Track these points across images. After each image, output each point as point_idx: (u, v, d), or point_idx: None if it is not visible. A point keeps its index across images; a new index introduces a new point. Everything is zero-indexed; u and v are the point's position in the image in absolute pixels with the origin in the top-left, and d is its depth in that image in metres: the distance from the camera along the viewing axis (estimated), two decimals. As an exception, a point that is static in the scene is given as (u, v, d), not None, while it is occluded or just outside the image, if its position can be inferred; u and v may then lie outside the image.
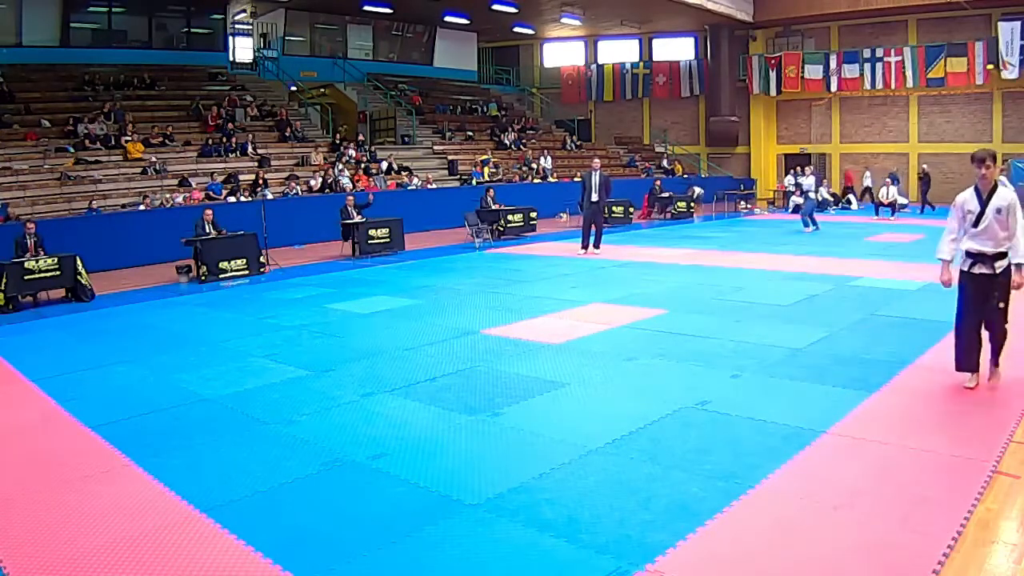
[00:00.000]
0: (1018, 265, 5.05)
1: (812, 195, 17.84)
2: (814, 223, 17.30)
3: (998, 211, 5.05)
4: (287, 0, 23.43)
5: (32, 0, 19.63)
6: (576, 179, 19.95)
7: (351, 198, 15.15)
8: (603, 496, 3.90)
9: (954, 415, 4.69)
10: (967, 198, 5.20)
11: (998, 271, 5.16)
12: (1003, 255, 5.17)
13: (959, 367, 5.37)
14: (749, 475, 4.06)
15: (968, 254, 5.25)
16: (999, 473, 3.99)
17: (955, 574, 3.10)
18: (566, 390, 5.77)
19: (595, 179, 14.24)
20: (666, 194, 22.07)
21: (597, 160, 15.52)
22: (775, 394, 5.49)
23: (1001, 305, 5.23)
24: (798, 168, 23.10)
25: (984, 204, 5.09)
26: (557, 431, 4.88)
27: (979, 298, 5.23)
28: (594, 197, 14.18)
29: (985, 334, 5.38)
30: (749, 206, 24.38)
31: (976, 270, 5.21)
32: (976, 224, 5.14)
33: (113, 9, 21.47)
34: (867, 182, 24.51)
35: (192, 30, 23.24)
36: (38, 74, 19.30)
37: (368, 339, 7.70)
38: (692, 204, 22.03)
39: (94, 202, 15.17)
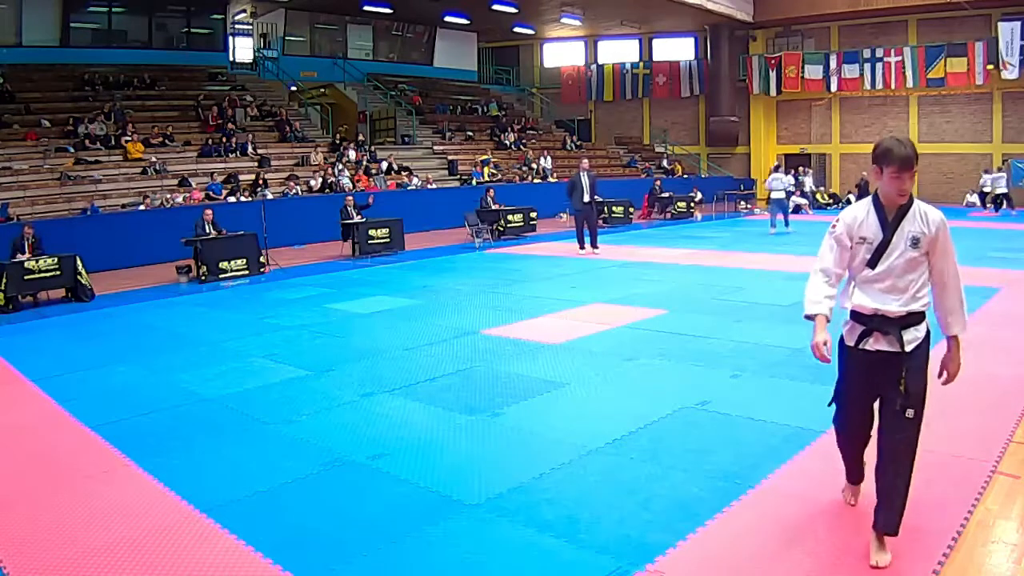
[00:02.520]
0: (954, 338, 3.10)
1: (777, 195, 17.60)
2: (773, 224, 17.23)
3: (914, 242, 3.02)
4: (287, 0, 23.43)
5: (32, 0, 19.63)
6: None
7: (351, 198, 15.16)
8: (603, 496, 3.90)
9: (954, 415, 4.68)
10: (860, 217, 3.12)
11: (908, 348, 3.06)
12: (917, 319, 3.09)
13: (851, 478, 3.64)
14: (749, 475, 4.06)
15: (857, 317, 3.17)
16: (999, 473, 3.99)
17: (955, 574, 3.10)
18: (566, 390, 5.77)
19: (585, 180, 14.31)
20: (666, 194, 22.08)
21: (585, 161, 15.83)
22: (775, 394, 5.49)
23: (910, 414, 3.03)
24: (800, 168, 23.13)
25: (890, 230, 3.05)
26: (557, 431, 4.88)
27: (871, 395, 3.20)
28: (586, 198, 14.25)
29: (871, 457, 3.29)
30: (749, 206, 24.38)
31: (870, 345, 3.12)
32: (874, 263, 3.07)
33: (113, 9, 21.48)
34: (808, 185, 24.53)
35: (192, 30, 23.25)
36: (38, 74, 19.30)
37: (368, 339, 7.70)
38: (693, 204, 22.04)
39: (95, 201, 15.16)
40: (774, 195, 17.41)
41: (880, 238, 3.06)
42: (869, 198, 3.17)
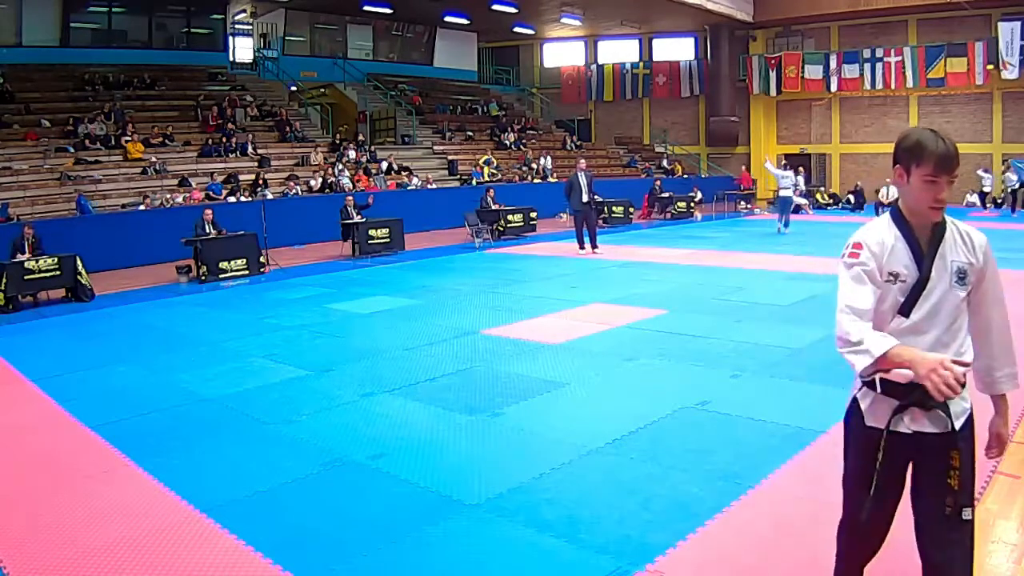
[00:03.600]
0: (1001, 397, 2.32)
1: (783, 192, 17.67)
2: (779, 223, 17.35)
3: (960, 276, 2.21)
4: (287, 0, 23.43)
5: (32, 0, 19.64)
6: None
7: (351, 198, 15.16)
8: (603, 496, 3.90)
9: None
10: (887, 243, 2.24)
11: (958, 424, 2.21)
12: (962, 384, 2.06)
13: None
14: (749, 475, 4.06)
15: (887, 387, 2.25)
16: (999, 473, 3.99)
17: (955, 574, 3.10)
18: (566, 390, 5.77)
19: (583, 179, 14.32)
20: (666, 194, 22.09)
21: (583, 161, 15.88)
22: (775, 394, 5.49)
23: (967, 515, 2.21)
24: (799, 168, 23.13)
25: (927, 261, 2.21)
26: (557, 431, 4.88)
27: (899, 494, 2.36)
28: (584, 198, 14.26)
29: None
30: (749, 206, 24.39)
31: (906, 426, 2.24)
32: (908, 309, 2.22)
33: (113, 9, 21.50)
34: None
35: (192, 30, 23.26)
36: (38, 74, 19.31)
37: (368, 339, 7.70)
38: (693, 204, 22.05)
39: (84, 194, 15.13)
40: (782, 192, 17.47)
41: (916, 275, 2.20)
42: (887, 215, 2.30)
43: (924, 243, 2.23)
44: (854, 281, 2.22)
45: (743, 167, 26.54)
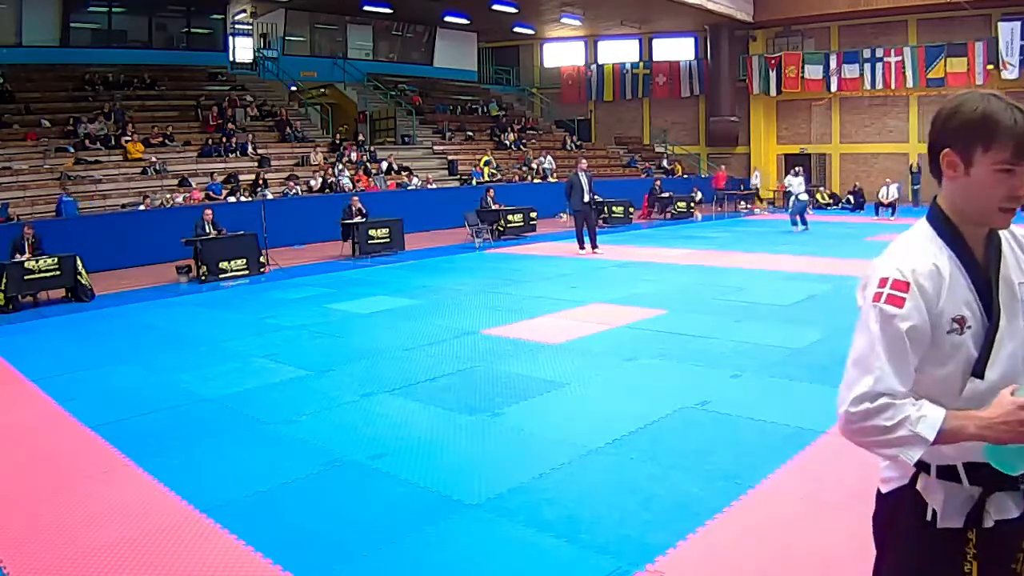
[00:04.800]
0: None
1: (802, 196, 17.84)
2: (804, 223, 17.39)
3: None
4: (287, 0, 23.44)
5: (32, 0, 19.64)
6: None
7: (356, 198, 15.18)
8: (603, 496, 3.90)
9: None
10: (942, 269, 1.51)
11: None
12: None
13: None
14: (749, 475, 4.05)
15: (968, 472, 1.53)
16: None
17: (955, 574, 3.09)
18: (566, 390, 5.77)
19: (583, 180, 14.33)
20: (666, 194, 22.09)
21: (584, 161, 15.97)
22: (775, 394, 5.49)
23: None
24: (799, 168, 23.15)
25: (993, 288, 1.53)
26: (557, 431, 4.88)
27: None
28: (585, 198, 14.27)
29: None
30: (749, 206, 24.38)
31: (992, 518, 1.53)
32: (982, 367, 1.50)
33: (113, 9, 21.50)
34: (755, 181, 24.45)
35: (192, 30, 23.26)
36: (38, 74, 19.31)
37: (368, 339, 7.70)
38: (693, 204, 22.05)
39: (83, 192, 15.11)
40: (798, 196, 17.62)
41: (981, 313, 1.52)
42: (924, 224, 1.61)
43: (981, 262, 1.55)
44: (890, 346, 1.49)
45: (721, 167, 26.47)
